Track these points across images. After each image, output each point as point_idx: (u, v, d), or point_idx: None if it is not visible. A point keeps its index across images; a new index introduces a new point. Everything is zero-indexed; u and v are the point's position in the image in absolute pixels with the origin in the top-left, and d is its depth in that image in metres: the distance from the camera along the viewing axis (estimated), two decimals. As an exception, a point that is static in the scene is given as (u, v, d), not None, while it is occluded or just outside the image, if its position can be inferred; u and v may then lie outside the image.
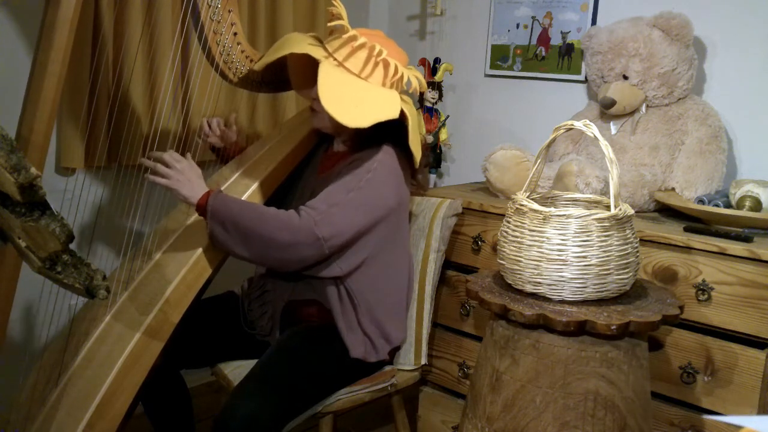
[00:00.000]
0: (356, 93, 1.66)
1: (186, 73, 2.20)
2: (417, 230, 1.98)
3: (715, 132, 1.98)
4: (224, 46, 1.75)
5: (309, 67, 1.76)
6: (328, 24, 1.71)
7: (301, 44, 1.70)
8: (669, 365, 1.73)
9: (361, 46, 1.67)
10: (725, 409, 1.66)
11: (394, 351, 1.86)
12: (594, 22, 2.30)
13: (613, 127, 2.09)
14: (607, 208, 1.51)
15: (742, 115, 2.05)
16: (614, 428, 1.41)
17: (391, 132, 1.76)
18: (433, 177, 2.72)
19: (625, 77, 2.04)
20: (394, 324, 1.80)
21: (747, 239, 1.66)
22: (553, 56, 2.40)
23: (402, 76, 1.72)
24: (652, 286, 1.60)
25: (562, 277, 1.42)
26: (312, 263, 1.68)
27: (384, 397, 1.84)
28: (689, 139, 1.99)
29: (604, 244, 1.41)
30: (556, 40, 2.39)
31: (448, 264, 2.12)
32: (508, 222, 1.52)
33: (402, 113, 1.68)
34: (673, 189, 1.98)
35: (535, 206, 1.45)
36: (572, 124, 1.47)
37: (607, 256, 1.41)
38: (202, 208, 1.65)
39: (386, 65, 1.69)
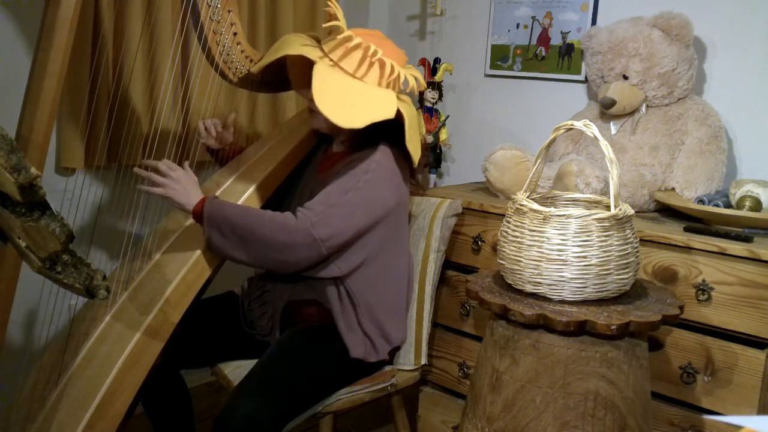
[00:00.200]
0: (351, 93, 1.66)
1: (186, 73, 2.20)
2: (417, 230, 1.98)
3: (715, 132, 1.98)
4: (224, 46, 1.75)
5: (307, 67, 1.76)
6: (324, 25, 1.71)
7: (296, 45, 1.70)
8: (669, 365, 1.73)
9: (356, 46, 1.67)
10: (725, 409, 1.66)
11: (394, 351, 1.86)
12: (594, 22, 2.30)
13: (613, 127, 2.09)
14: (607, 208, 1.51)
15: (742, 115, 2.05)
16: (614, 428, 1.41)
17: (390, 132, 1.76)
18: (433, 177, 2.72)
19: (625, 77, 2.04)
20: (394, 324, 1.80)
21: (747, 239, 1.66)
22: (553, 56, 2.40)
23: (398, 76, 1.72)
24: (652, 286, 1.60)
25: (562, 277, 1.42)
26: (310, 264, 1.68)
27: (384, 397, 1.84)
28: (689, 139, 1.99)
29: (604, 244, 1.41)
30: (556, 40, 2.39)
31: (448, 264, 2.12)
32: (508, 222, 1.52)
33: (399, 113, 1.68)
34: (673, 189, 1.98)
35: (535, 206, 1.45)
36: (572, 124, 1.47)
37: (607, 256, 1.41)
38: (198, 214, 1.65)
39: (382, 65, 1.69)
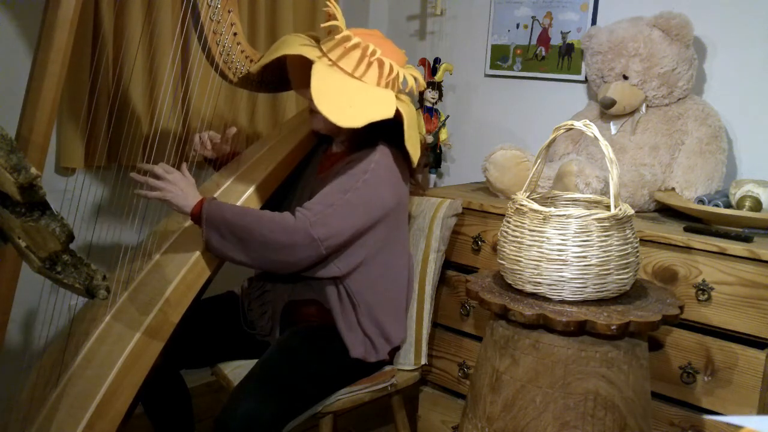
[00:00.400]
0: (349, 93, 1.66)
1: (186, 73, 2.20)
2: (417, 230, 1.98)
3: (715, 132, 1.98)
4: (224, 46, 1.75)
5: (307, 67, 1.76)
6: (323, 25, 1.71)
7: (295, 45, 1.70)
8: (669, 365, 1.73)
9: (355, 46, 1.67)
10: (725, 409, 1.66)
11: (394, 351, 1.86)
12: (594, 22, 2.30)
13: (613, 127, 2.09)
14: (607, 208, 1.51)
15: (742, 115, 2.04)
16: (614, 428, 1.41)
17: (389, 132, 1.76)
18: (433, 177, 2.72)
19: (625, 77, 2.04)
20: (394, 324, 1.80)
21: (747, 239, 1.66)
22: (553, 56, 2.40)
23: (397, 75, 1.72)
24: (652, 286, 1.60)
25: (562, 277, 1.42)
26: (310, 264, 1.68)
27: (384, 397, 1.84)
28: (689, 139, 1.99)
29: (604, 244, 1.41)
30: (556, 40, 2.39)
31: (448, 264, 2.12)
32: (508, 222, 1.52)
33: (398, 112, 1.68)
34: (673, 189, 1.98)
35: (535, 206, 1.45)
36: (572, 124, 1.47)
37: (607, 256, 1.41)
38: (196, 216, 1.65)
39: (381, 64, 1.69)
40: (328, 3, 1.73)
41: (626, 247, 1.44)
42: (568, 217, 1.41)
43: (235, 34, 1.76)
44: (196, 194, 1.68)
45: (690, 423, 1.71)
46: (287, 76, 1.90)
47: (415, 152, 1.74)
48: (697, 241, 1.68)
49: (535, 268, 1.44)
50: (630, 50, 2.01)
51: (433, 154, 2.54)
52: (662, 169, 2.00)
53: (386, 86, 1.71)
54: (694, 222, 1.81)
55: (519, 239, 1.46)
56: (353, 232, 1.68)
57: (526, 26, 2.46)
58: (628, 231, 1.45)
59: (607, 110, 2.06)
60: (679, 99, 2.04)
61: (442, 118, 2.50)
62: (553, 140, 1.54)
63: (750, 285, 1.62)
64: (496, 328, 1.52)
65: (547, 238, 1.42)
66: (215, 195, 1.79)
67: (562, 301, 1.44)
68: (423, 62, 2.53)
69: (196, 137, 1.91)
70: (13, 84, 1.75)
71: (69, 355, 1.58)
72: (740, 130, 2.06)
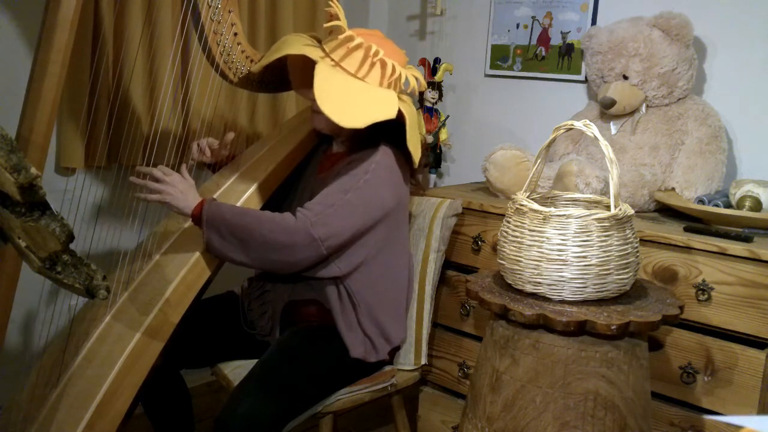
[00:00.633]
0: (352, 93, 1.66)
1: (186, 73, 2.20)
2: (417, 230, 1.98)
3: (715, 132, 1.98)
4: (224, 47, 1.75)
5: (308, 67, 1.76)
6: (325, 25, 1.71)
7: (297, 45, 1.70)
8: (669, 365, 1.73)
9: (358, 46, 1.67)
10: (725, 409, 1.66)
11: (394, 351, 1.86)
12: (594, 22, 2.30)
13: (613, 127, 2.09)
14: (607, 208, 1.51)
15: (742, 115, 2.04)
16: (614, 428, 1.41)
17: (390, 132, 1.76)
18: (433, 177, 2.72)
19: (625, 77, 2.04)
20: (394, 324, 1.80)
21: (747, 239, 1.66)
22: (553, 56, 2.40)
23: (400, 76, 1.72)
24: (652, 286, 1.60)
25: (562, 277, 1.42)
26: (310, 264, 1.68)
27: (384, 397, 1.84)
28: (689, 139, 1.99)
29: (604, 244, 1.41)
30: (556, 40, 2.39)
31: (448, 264, 2.12)
32: (508, 222, 1.52)
33: (400, 113, 1.68)
34: (673, 189, 1.98)
35: (535, 206, 1.45)
36: (572, 124, 1.47)
37: (607, 256, 1.41)
38: (196, 217, 1.65)
39: (383, 65, 1.69)
40: (330, 3, 1.73)
41: (626, 247, 1.44)
42: (568, 217, 1.41)
43: (235, 34, 1.76)
44: (195, 196, 1.68)
45: (690, 423, 1.71)
46: (287, 76, 1.90)
47: (416, 153, 1.74)
48: (697, 241, 1.68)
49: (535, 268, 1.44)
50: (630, 50, 2.01)
51: (433, 154, 2.54)
52: (662, 169, 2.00)
53: (388, 87, 1.71)
54: (694, 222, 1.81)
55: (519, 239, 1.46)
56: (354, 232, 1.68)
57: (526, 26, 2.46)
58: (628, 231, 1.45)
59: (607, 110, 2.06)
60: (679, 99, 2.04)
61: (442, 118, 2.50)
62: (553, 140, 1.54)
63: (750, 285, 1.62)
64: (496, 328, 1.52)
65: (547, 238, 1.42)
66: (215, 195, 1.79)
67: (562, 301, 1.44)
68: (423, 62, 2.53)
69: (194, 145, 1.91)
70: (13, 84, 1.75)
71: (69, 355, 1.58)
72: (740, 130, 2.06)
